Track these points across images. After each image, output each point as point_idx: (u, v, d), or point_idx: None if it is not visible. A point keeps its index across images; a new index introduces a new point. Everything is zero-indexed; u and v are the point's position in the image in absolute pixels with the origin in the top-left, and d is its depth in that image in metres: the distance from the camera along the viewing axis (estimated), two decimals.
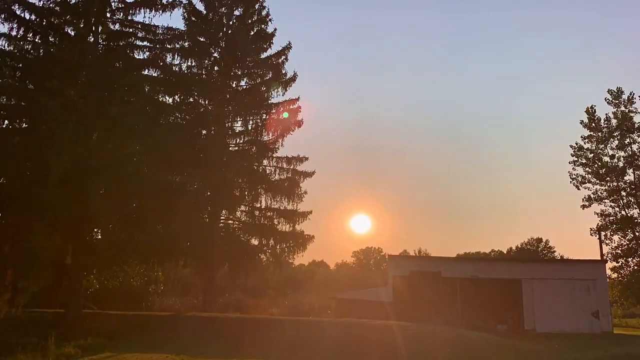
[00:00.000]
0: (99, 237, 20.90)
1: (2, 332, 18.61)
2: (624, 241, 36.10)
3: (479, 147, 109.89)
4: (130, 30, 22.46)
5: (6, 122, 20.18)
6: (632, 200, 36.03)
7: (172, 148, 20.46)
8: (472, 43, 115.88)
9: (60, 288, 25.58)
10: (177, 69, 26.12)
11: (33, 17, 20.82)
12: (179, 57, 25.53)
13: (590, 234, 36.46)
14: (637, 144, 36.11)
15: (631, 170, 36.02)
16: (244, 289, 38.72)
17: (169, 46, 23.34)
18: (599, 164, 36.73)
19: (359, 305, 32.05)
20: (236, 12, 28.70)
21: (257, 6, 28.79)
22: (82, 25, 20.86)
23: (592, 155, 37.09)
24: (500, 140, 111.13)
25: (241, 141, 28.15)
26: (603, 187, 36.79)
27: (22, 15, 20.64)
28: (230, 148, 28.20)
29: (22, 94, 18.82)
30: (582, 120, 37.60)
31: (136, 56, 22.23)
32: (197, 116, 25.97)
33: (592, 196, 37.04)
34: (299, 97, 27.98)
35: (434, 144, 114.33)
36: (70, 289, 20.92)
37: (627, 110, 36.42)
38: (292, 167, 27.75)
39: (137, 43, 22.54)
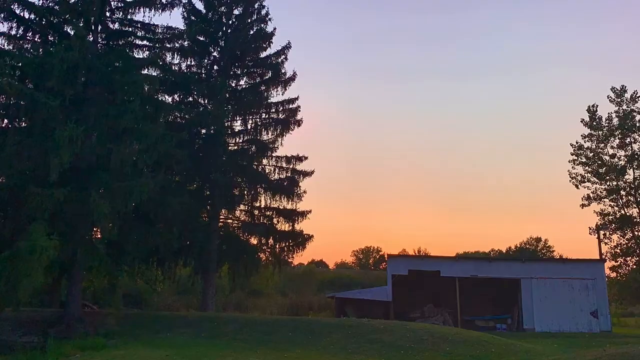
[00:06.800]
0: (99, 236, 20.89)
1: (2, 332, 18.67)
2: (623, 240, 36.18)
3: (479, 146, 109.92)
4: (130, 29, 22.44)
5: (6, 121, 20.17)
6: (632, 200, 36.06)
7: (172, 147, 20.47)
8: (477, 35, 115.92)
9: (59, 287, 25.65)
10: (176, 68, 26.26)
11: (32, 16, 20.80)
12: (178, 57, 25.65)
13: (589, 233, 36.57)
14: (638, 143, 36.13)
15: (631, 169, 36.02)
16: (243, 289, 38.75)
17: (169, 45, 23.35)
18: (599, 162, 36.71)
19: (359, 305, 32.18)
20: (236, 12, 28.72)
21: (256, 5, 28.81)
22: (81, 25, 20.81)
23: (592, 154, 37.05)
24: (500, 139, 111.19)
25: (240, 140, 28.20)
26: (602, 187, 36.80)
27: (22, 14, 20.62)
28: (230, 147, 28.21)
29: (21, 93, 18.78)
30: (583, 119, 37.59)
31: (136, 55, 22.22)
32: (196, 115, 26.02)
33: (591, 195, 37.08)
34: (298, 97, 28.13)
35: (434, 142, 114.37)
36: (69, 289, 20.93)
37: (629, 108, 36.41)
38: (291, 167, 27.81)
39: (137, 42, 22.54)
